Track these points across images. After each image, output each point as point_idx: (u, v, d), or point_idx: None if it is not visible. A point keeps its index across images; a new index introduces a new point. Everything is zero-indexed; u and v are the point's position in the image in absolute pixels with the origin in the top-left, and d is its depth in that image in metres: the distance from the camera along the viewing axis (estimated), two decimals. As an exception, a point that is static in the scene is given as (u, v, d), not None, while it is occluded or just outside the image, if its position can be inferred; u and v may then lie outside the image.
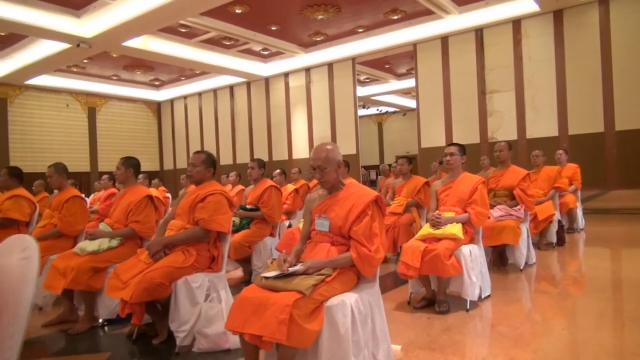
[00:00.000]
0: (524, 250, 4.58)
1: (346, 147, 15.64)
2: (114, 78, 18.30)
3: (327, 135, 16.06)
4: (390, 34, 13.81)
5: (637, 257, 5.39)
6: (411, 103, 18.65)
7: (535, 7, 11.55)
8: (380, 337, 2.34)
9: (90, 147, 19.08)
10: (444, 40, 13.45)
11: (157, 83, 19.60)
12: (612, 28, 11.06)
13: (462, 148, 3.91)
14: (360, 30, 13.99)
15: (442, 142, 13.43)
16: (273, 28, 13.70)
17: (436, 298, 3.44)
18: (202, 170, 3.19)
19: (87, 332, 3.24)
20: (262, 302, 2.02)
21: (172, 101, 20.73)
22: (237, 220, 4.49)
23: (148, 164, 20.32)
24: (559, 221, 5.87)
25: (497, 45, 12.56)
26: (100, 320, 3.36)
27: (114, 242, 3.31)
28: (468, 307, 3.40)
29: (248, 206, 4.56)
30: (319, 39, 14.66)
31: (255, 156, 17.52)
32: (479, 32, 12.83)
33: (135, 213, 3.44)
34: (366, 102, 22.09)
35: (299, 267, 2.21)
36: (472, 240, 3.63)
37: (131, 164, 3.60)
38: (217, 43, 14.82)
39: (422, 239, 3.47)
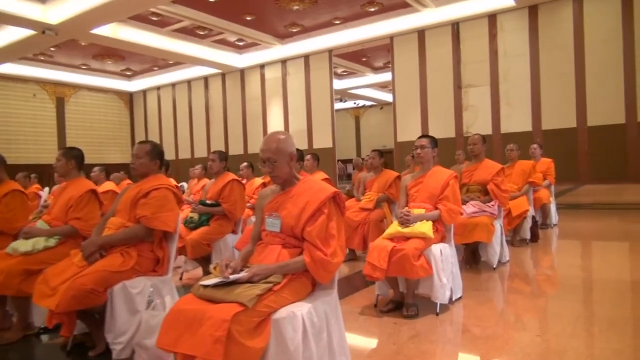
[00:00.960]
0: (497, 248, 4.41)
1: (322, 140, 15.45)
2: (83, 67, 17.67)
3: (303, 129, 15.83)
4: (367, 27, 13.63)
5: (609, 253, 5.30)
6: (388, 97, 18.51)
7: (511, 2, 11.50)
8: (337, 351, 2.10)
9: (58, 138, 18.42)
10: (421, 33, 13.31)
11: (128, 73, 19.02)
12: (586, 24, 11.06)
13: (434, 140, 3.68)
14: (337, 22, 13.76)
15: (418, 136, 13.32)
16: (248, 18, 13.37)
17: (404, 301, 3.22)
18: (146, 163, 2.88)
19: (18, 342, 2.90)
20: (197, 315, 1.75)
21: (144, 92, 20.18)
22: (195, 216, 4.21)
23: (119, 156, 19.76)
24: (533, 217, 5.74)
25: (473, 39, 12.47)
26: (36, 328, 3.03)
27: (51, 242, 2.97)
28: (438, 311, 3.18)
29: (208, 201, 4.27)
30: (295, 30, 14.39)
31: (230, 149, 17.19)
32: (455, 26, 12.72)
33: (76, 209, 3.09)
34: (343, 95, 21.90)
35: (242, 274, 1.94)
36: (443, 239, 3.41)
37: (73, 155, 3.26)
38: (190, 33, 14.40)
39: (389, 237, 3.23)
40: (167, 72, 18.36)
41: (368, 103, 24.25)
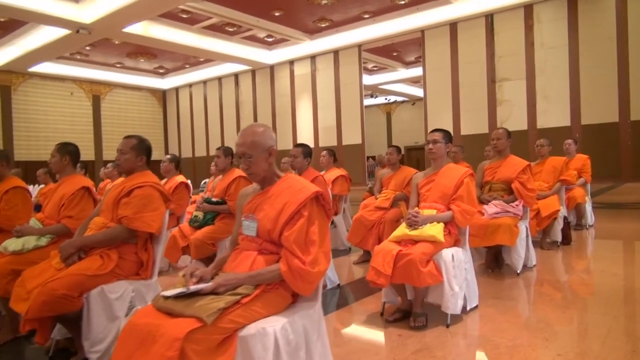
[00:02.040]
0: (521, 251, 4.09)
1: (351, 136, 15.22)
2: (118, 66, 18.04)
3: (332, 125, 15.65)
4: (397, 20, 13.31)
5: (652, 260, 4.87)
6: (420, 92, 18.06)
7: (549, -9, 10.95)
8: (319, 371, 1.88)
9: (94, 135, 18.91)
10: (453, 26, 12.87)
11: (161, 71, 19.31)
12: (630, 13, 10.39)
13: (448, 135, 3.39)
14: (367, 16, 13.49)
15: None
16: (277, 14, 13.27)
17: (412, 310, 2.97)
18: (131, 159, 2.73)
19: (6, 344, 2.84)
20: (152, 331, 1.56)
21: (177, 89, 20.44)
22: (200, 215, 4.08)
23: (154, 153, 20.02)
24: (565, 217, 5.33)
25: (507, 31, 11.96)
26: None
27: (43, 241, 2.87)
28: (448, 322, 2.92)
29: (214, 199, 4.13)
30: (324, 25, 14.20)
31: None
32: (489, 18, 12.23)
33: (68, 207, 2.97)
34: (374, 91, 21.55)
35: (205, 285, 1.73)
36: (456, 243, 3.14)
37: (67, 150, 3.14)
38: (220, 29, 14.44)
39: (396, 240, 2.97)
40: (199, 69, 18.52)
41: (399, 99, 23.80)
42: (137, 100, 20.22)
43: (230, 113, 18.51)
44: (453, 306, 2.90)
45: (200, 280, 1.82)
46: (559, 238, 5.23)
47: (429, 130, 13.44)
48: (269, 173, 2.04)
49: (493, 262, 4.24)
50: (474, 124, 12.58)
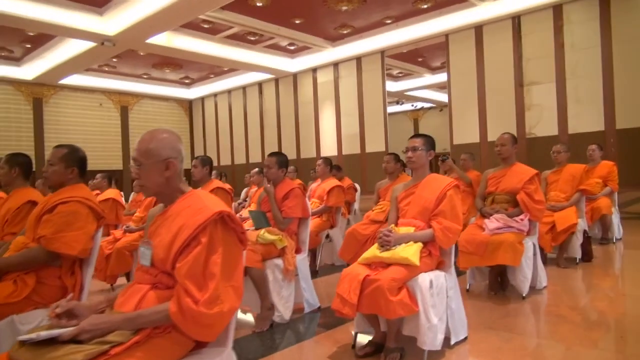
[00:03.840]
0: (528, 272, 3.67)
1: (375, 144, 14.86)
2: (145, 77, 18.33)
3: (355, 132, 15.36)
4: (420, 25, 12.93)
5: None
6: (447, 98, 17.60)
7: (578, -10, 10.36)
8: None
9: (122, 145, 19.24)
10: (478, 29, 12.38)
11: (187, 81, 19.51)
12: (668, 11, 9.68)
13: (429, 140, 3.03)
14: (389, 21, 13.17)
15: (476, 139, 12.45)
16: (297, 21, 13.14)
17: (385, 344, 2.62)
18: (60, 170, 2.48)
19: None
20: None
21: (202, 99, 20.61)
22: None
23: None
24: (585, 231, 4.84)
25: (536, 33, 11.38)
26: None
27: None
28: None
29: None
30: (345, 31, 13.98)
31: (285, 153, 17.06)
32: (515, 20, 11.69)
33: (11, 223, 2.76)
34: (400, 97, 21.08)
35: (62, 331, 1.42)
36: (439, 266, 2.79)
37: (17, 162, 2.92)
38: (241, 39, 14.43)
39: (366, 263, 2.64)
40: (223, 78, 18.62)
41: (426, 105, 23.29)
42: (164, 111, 20.49)
43: (255, 121, 18.47)
44: (430, 341, 2.52)
45: (67, 316, 1.49)
46: (578, 254, 4.75)
47: (455, 136, 13.03)
48: (167, 189, 1.73)
49: (496, 283, 3.84)
50: (501, 129, 11.83)
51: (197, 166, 4.07)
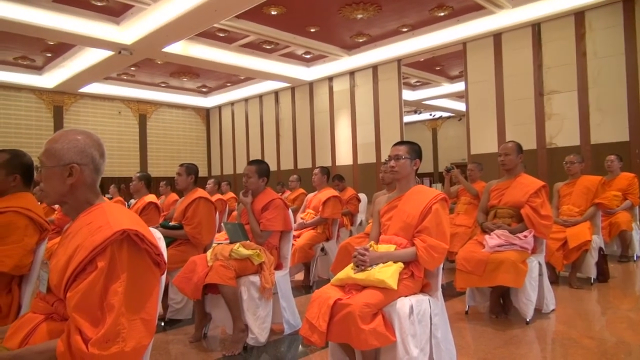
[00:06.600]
0: (532, 294, 3.38)
1: (390, 153, 14.59)
2: (163, 85, 18.49)
3: (371, 141, 15.14)
4: (437, 33, 12.70)
5: None
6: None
7: (600, -3, 9.99)
8: None
9: (140, 153, 19.40)
10: (497, 37, 12.07)
11: (204, 90, 19.62)
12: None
13: (415, 148, 2.73)
14: (405, 29, 12.97)
15: (494, 148, 12.07)
16: (312, 30, 13.05)
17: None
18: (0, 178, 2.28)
19: None
20: None
21: (220, 107, 20.70)
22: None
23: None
24: (600, 249, 4.51)
25: (556, 40, 11.03)
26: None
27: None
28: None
29: (171, 222, 3.72)
30: (361, 40, 13.84)
31: (299, 162, 16.98)
32: (535, 27, 11.36)
33: None
34: (418, 106, 20.79)
35: None
36: (424, 288, 2.53)
37: None
38: (257, 47, 14.42)
39: (340, 284, 2.39)
40: (240, 87, 18.66)
41: (445, 114, 22.93)
42: (182, 119, 20.64)
43: (271, 130, 18.43)
44: (411, 375, 2.24)
45: None
46: (593, 274, 4.42)
47: (473, 146, 12.70)
48: (71, 200, 1.51)
49: (497, 305, 3.55)
50: (520, 139, 11.38)
51: (182, 174, 3.90)
